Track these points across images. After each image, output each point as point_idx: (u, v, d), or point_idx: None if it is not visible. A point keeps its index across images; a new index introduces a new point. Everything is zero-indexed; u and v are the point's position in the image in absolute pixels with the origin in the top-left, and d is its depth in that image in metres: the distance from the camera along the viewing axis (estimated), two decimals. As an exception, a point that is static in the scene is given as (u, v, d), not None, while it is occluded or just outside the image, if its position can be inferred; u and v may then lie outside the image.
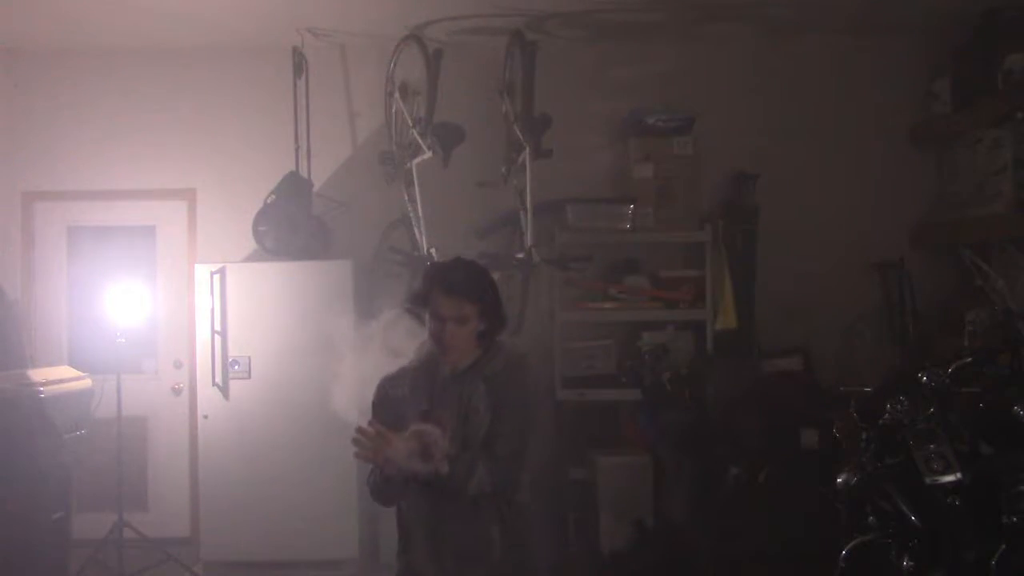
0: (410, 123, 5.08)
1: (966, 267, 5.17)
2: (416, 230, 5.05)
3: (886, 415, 3.53)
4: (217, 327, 5.25)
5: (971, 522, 3.32)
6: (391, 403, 2.68)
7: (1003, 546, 3.24)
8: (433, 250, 4.90)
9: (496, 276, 2.80)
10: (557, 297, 5.38)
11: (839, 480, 3.53)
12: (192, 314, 5.48)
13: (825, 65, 5.67)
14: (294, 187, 5.43)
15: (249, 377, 5.25)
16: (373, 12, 5.18)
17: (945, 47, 5.52)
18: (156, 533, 5.38)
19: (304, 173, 5.53)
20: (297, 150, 5.55)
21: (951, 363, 3.66)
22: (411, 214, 5.08)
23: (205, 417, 5.27)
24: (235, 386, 5.25)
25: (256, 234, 5.41)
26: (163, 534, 5.46)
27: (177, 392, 5.79)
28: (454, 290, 2.62)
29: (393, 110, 5.30)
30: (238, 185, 5.66)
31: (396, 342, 2.77)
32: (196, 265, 5.40)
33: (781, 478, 4.35)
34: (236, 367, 5.24)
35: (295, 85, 5.56)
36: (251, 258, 5.53)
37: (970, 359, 3.75)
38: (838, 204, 5.61)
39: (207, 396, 5.27)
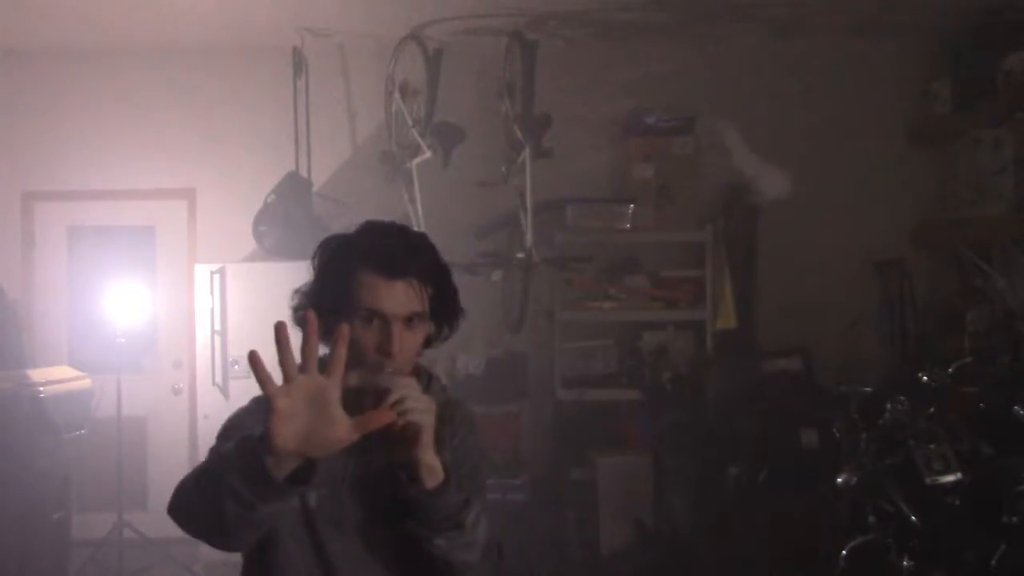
0: (410, 123, 5.07)
1: (966, 267, 5.18)
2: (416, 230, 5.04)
3: (886, 415, 3.53)
4: (217, 327, 5.24)
5: (971, 522, 3.32)
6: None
7: (1003, 546, 3.24)
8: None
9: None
10: (557, 297, 5.37)
11: (839, 480, 3.54)
12: (192, 314, 5.48)
13: (825, 65, 5.65)
14: (294, 187, 5.42)
15: (249, 377, 5.20)
16: (373, 12, 5.17)
17: (945, 47, 5.52)
18: (156, 533, 5.35)
19: (304, 173, 5.53)
20: (297, 150, 5.55)
21: (951, 363, 3.67)
22: (411, 214, 5.08)
23: (205, 417, 5.26)
24: (235, 386, 5.24)
25: (256, 234, 5.41)
26: (163, 534, 5.41)
27: (177, 392, 5.79)
28: (399, 269, 1.64)
29: (393, 110, 5.30)
30: (238, 185, 5.65)
31: None
32: (196, 265, 5.40)
33: (781, 478, 4.35)
34: (236, 367, 5.23)
35: (295, 85, 5.56)
36: (251, 258, 5.52)
37: (970, 359, 3.76)
38: (838, 204, 5.60)
39: (207, 396, 5.26)
